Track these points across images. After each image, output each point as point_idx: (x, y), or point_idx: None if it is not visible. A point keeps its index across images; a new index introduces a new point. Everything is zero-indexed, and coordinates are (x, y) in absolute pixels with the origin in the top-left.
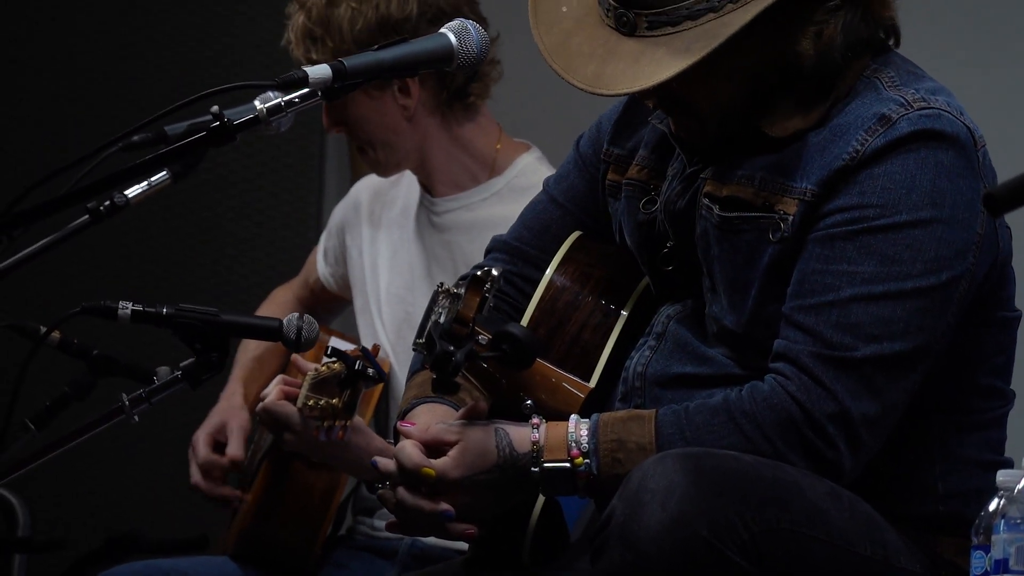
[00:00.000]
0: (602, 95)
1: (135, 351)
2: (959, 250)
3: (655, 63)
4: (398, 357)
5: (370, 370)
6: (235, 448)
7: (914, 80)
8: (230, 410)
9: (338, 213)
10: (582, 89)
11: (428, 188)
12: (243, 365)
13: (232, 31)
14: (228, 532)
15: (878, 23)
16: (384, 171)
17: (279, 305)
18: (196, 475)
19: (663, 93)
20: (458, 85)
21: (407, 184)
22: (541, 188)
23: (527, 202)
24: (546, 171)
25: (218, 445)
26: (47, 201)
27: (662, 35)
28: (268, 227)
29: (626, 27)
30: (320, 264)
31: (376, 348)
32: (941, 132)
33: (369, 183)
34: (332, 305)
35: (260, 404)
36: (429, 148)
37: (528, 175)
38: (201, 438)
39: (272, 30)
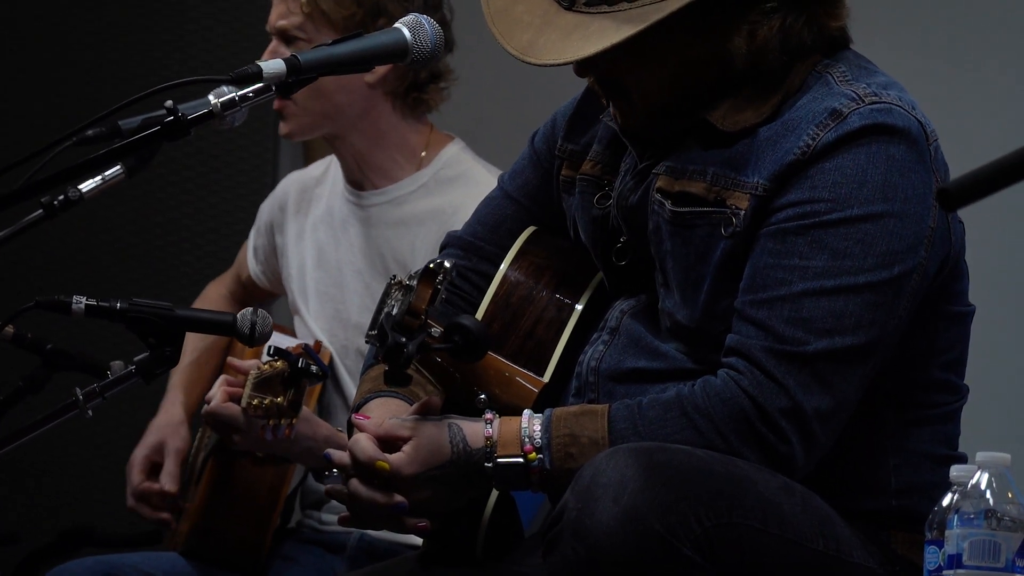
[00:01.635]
0: (531, 63)
1: (89, 346)
2: (911, 244)
3: (584, 38)
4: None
5: (313, 367)
6: (168, 479)
7: (866, 75)
8: (168, 427)
9: (265, 211)
10: (513, 56)
11: (353, 180)
12: (181, 370)
13: (186, 25)
14: (177, 529)
15: (824, 31)
16: (299, 130)
17: (212, 301)
18: (131, 500)
19: (596, 72)
20: (421, 80)
21: (332, 181)
22: (465, 178)
23: (454, 193)
24: (471, 161)
25: (156, 466)
26: (0, 195)
27: (598, 12)
28: (222, 221)
29: (566, 0)
30: (251, 261)
31: (318, 344)
32: (892, 126)
33: (295, 180)
34: (265, 300)
35: (205, 408)
36: (367, 125)
37: (453, 166)
38: (136, 461)
39: (226, 23)
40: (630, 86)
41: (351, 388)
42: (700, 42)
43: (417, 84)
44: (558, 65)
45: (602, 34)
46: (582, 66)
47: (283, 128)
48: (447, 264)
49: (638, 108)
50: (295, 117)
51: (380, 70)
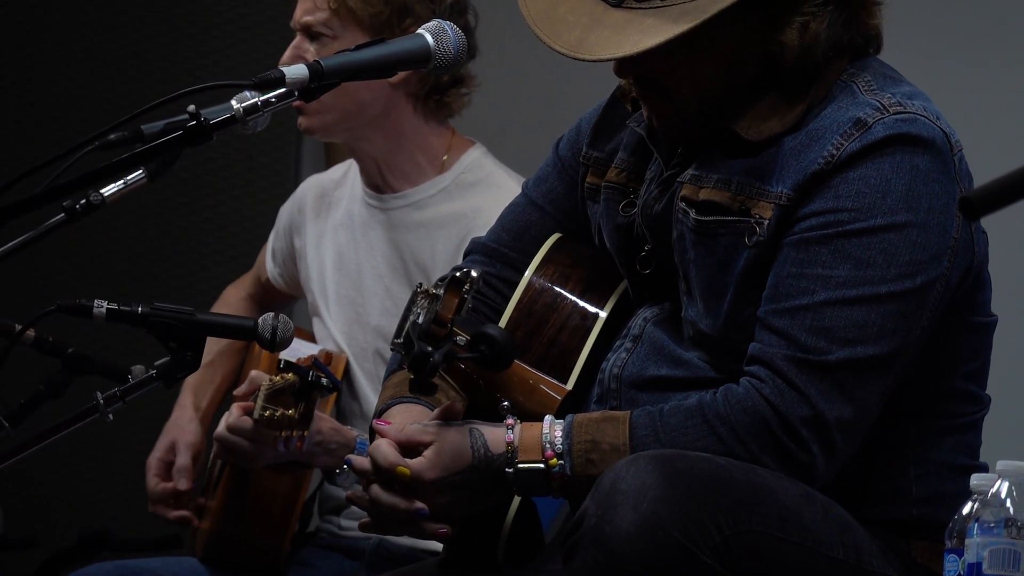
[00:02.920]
0: (584, 60)
1: (110, 350)
2: (934, 254)
3: (641, 32)
4: (351, 358)
5: (324, 380)
6: (181, 476)
7: (891, 84)
8: (177, 427)
9: (284, 214)
10: (564, 54)
11: (374, 183)
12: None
13: (210, 31)
14: (196, 537)
15: (860, 29)
16: (320, 126)
17: (232, 304)
18: (151, 505)
19: (643, 70)
20: (443, 84)
21: (351, 185)
22: (487, 183)
23: (475, 198)
24: (492, 166)
25: (171, 466)
26: (23, 199)
27: (650, 7)
28: (244, 226)
29: None
30: (269, 264)
31: (328, 356)
32: (917, 136)
33: (314, 183)
34: (284, 302)
35: (217, 430)
36: (388, 125)
37: (474, 171)
38: (151, 465)
39: (249, 29)
40: (677, 83)
41: (369, 392)
42: (754, 35)
43: (439, 88)
44: (615, 60)
45: (659, 28)
46: (631, 63)
47: (303, 123)
48: (474, 274)
49: (681, 108)
50: (317, 113)
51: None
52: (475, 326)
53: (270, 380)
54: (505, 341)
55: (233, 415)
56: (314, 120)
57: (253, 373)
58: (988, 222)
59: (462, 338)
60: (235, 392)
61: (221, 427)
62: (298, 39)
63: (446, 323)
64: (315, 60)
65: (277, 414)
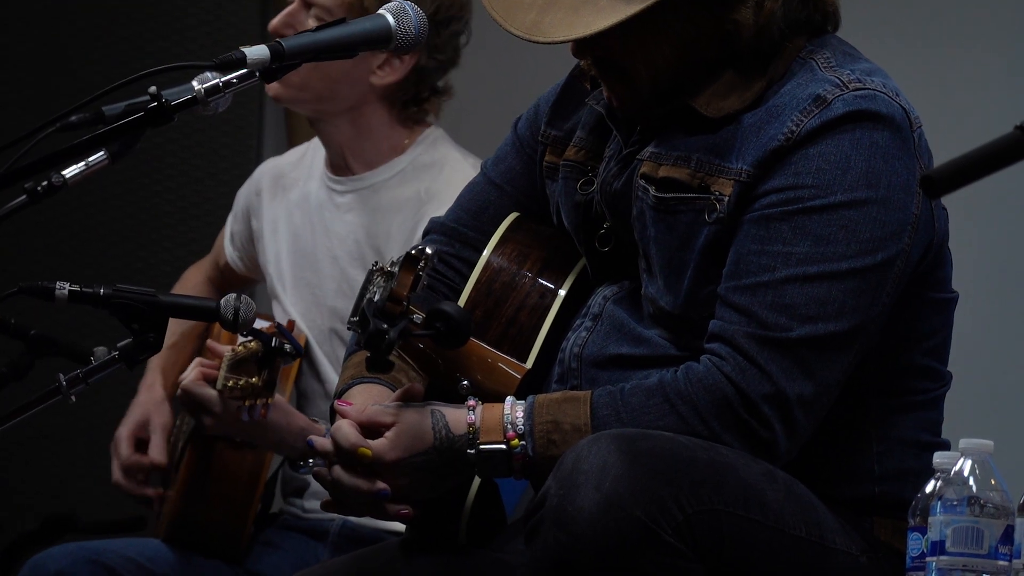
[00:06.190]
0: (538, 43)
1: (72, 331)
2: (894, 231)
3: (595, 13)
4: (310, 339)
5: (287, 346)
6: (157, 452)
7: (850, 61)
8: (151, 404)
9: (242, 197)
10: (519, 37)
11: (335, 164)
12: (160, 353)
13: (170, 11)
14: (159, 518)
15: (818, 7)
16: (288, 97)
17: (191, 286)
18: (117, 474)
19: (599, 52)
20: (423, 96)
21: (308, 167)
22: (440, 164)
23: (429, 180)
24: (448, 147)
25: (141, 443)
26: None
27: None
28: (204, 208)
29: None
30: (228, 247)
31: (291, 324)
32: (876, 113)
33: (270, 166)
34: (243, 285)
35: (179, 387)
36: (356, 117)
37: (430, 152)
38: (124, 436)
39: (211, 10)
40: (634, 64)
41: (329, 373)
42: (709, 15)
43: (418, 99)
44: (568, 42)
45: (613, 9)
46: (587, 44)
47: (274, 87)
48: (428, 251)
49: (641, 89)
50: (290, 86)
51: (390, 79)
52: (432, 304)
53: (232, 350)
54: (461, 317)
55: (190, 376)
56: (285, 90)
57: (216, 345)
58: (948, 199)
59: (418, 316)
60: (181, 377)
61: (180, 388)
62: (296, 6)
63: (401, 300)
64: (275, 40)
65: (240, 383)
